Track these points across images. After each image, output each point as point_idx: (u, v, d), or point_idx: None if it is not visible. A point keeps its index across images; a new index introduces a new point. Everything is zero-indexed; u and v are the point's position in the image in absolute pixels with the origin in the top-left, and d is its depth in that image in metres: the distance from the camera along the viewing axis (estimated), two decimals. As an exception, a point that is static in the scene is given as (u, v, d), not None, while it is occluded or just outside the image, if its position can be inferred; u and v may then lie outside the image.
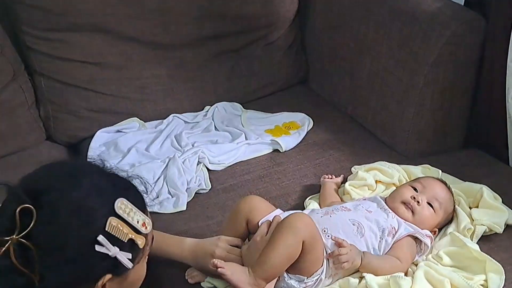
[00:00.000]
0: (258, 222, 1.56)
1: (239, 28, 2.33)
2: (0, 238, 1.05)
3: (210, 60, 2.33)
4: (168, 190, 1.90)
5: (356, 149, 2.06)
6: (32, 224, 1.06)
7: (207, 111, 2.30)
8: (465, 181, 1.82)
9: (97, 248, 1.10)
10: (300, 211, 1.56)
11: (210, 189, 1.91)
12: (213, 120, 2.24)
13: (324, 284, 1.49)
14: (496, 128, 2.00)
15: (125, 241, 1.13)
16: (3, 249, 1.05)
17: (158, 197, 1.87)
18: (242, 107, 2.32)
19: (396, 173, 1.84)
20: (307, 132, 2.15)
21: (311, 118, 2.23)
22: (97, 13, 2.13)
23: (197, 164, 1.98)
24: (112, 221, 1.11)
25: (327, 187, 1.80)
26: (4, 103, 2.09)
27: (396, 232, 1.55)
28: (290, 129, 2.17)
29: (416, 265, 1.54)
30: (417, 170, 1.85)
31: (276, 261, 1.41)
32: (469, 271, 1.51)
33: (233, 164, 2.01)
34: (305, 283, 1.45)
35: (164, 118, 2.25)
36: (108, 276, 1.13)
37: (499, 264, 1.51)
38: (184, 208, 1.84)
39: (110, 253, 1.11)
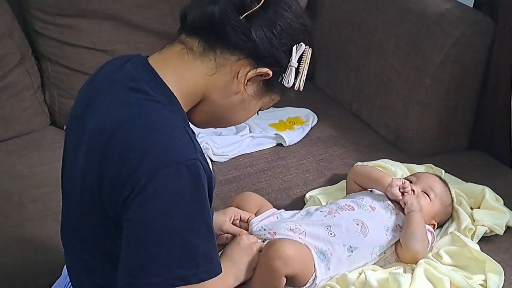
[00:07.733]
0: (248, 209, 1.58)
1: (247, 21, 2.33)
2: None
3: (218, 52, 2.33)
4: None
5: (360, 147, 2.07)
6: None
7: (213, 102, 2.30)
8: (467, 182, 1.82)
9: (294, 48, 1.19)
10: (284, 238, 1.46)
11: (212, 180, 1.92)
12: (218, 112, 2.25)
13: (321, 282, 1.48)
14: (500, 131, 2.00)
15: (298, 71, 1.21)
16: None
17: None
18: (247, 100, 2.32)
19: (399, 171, 1.84)
20: (311, 128, 2.16)
21: (315, 114, 2.23)
22: (106, 0, 2.13)
23: (201, 155, 1.98)
24: (308, 51, 1.21)
25: (386, 179, 1.64)
26: (10, 86, 2.09)
27: (401, 229, 1.55)
28: (295, 124, 2.17)
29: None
30: (420, 169, 1.85)
31: None
32: (468, 270, 1.51)
33: (236, 156, 2.01)
34: None
35: (170, 108, 2.25)
36: (268, 71, 1.18)
37: (499, 265, 1.51)
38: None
39: (292, 59, 1.19)
